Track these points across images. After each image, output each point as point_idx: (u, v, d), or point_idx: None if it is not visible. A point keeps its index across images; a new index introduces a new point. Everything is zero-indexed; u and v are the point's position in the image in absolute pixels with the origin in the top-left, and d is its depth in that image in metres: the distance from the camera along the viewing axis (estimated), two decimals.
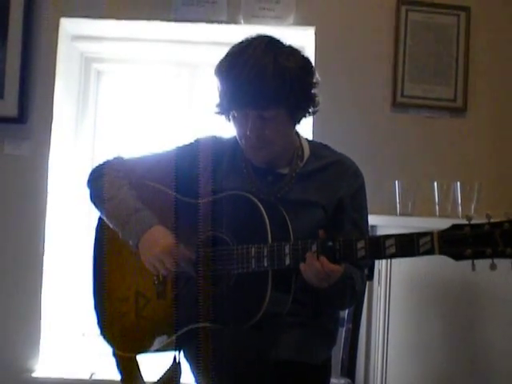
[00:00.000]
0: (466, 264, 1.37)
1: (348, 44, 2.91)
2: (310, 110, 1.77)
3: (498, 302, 1.77)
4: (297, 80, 1.68)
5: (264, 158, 1.78)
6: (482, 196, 2.35)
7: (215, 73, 1.73)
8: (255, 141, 1.71)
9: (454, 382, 2.00)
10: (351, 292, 1.72)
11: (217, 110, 1.78)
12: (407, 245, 1.43)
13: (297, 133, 1.86)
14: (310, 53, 2.86)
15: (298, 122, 1.79)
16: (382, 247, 1.46)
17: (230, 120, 1.77)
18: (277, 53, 1.66)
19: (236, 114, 1.72)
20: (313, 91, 1.74)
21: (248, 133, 1.70)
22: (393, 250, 1.45)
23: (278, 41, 1.72)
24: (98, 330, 1.90)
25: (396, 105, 2.90)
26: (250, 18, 2.88)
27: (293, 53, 1.71)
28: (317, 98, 1.75)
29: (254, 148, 1.74)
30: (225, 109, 1.75)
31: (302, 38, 2.88)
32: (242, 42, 1.72)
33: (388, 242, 1.45)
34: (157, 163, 1.91)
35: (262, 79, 1.62)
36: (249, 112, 1.67)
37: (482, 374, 1.84)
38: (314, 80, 1.74)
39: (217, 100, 1.76)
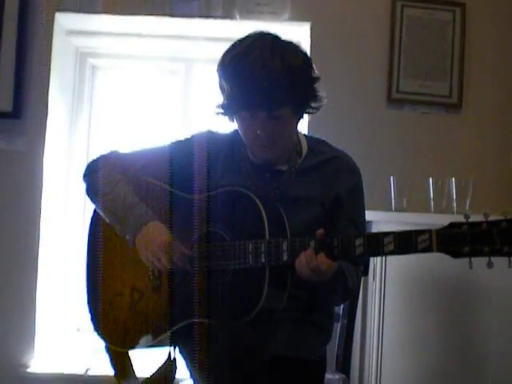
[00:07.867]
0: (462, 261, 1.37)
1: (343, 40, 2.91)
2: (314, 106, 1.76)
3: (494, 299, 1.77)
4: (303, 77, 1.68)
5: (273, 155, 1.77)
6: (476, 192, 2.35)
7: (220, 75, 1.70)
8: (266, 139, 1.70)
9: (449, 377, 2.01)
10: (343, 288, 1.71)
11: (220, 110, 1.76)
12: (405, 242, 1.43)
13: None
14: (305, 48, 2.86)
15: (302, 117, 1.78)
16: (380, 244, 1.46)
17: (234, 120, 1.76)
18: (283, 51, 1.65)
19: (244, 115, 1.70)
20: (315, 86, 1.74)
21: (259, 132, 1.69)
22: (391, 247, 1.45)
23: (280, 38, 1.71)
24: (91, 326, 1.90)
25: (391, 100, 2.90)
26: (246, 14, 2.88)
27: (296, 49, 1.70)
28: (319, 93, 1.75)
29: (264, 146, 1.73)
30: (232, 110, 1.73)
31: (297, 34, 2.88)
32: (243, 41, 1.69)
33: (386, 240, 1.45)
34: (153, 158, 1.90)
35: (272, 80, 1.60)
36: (259, 112, 1.66)
37: (477, 370, 1.85)
38: (315, 75, 1.74)
39: (221, 101, 1.75)
